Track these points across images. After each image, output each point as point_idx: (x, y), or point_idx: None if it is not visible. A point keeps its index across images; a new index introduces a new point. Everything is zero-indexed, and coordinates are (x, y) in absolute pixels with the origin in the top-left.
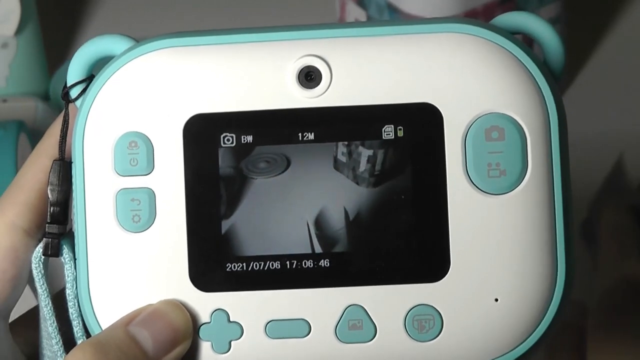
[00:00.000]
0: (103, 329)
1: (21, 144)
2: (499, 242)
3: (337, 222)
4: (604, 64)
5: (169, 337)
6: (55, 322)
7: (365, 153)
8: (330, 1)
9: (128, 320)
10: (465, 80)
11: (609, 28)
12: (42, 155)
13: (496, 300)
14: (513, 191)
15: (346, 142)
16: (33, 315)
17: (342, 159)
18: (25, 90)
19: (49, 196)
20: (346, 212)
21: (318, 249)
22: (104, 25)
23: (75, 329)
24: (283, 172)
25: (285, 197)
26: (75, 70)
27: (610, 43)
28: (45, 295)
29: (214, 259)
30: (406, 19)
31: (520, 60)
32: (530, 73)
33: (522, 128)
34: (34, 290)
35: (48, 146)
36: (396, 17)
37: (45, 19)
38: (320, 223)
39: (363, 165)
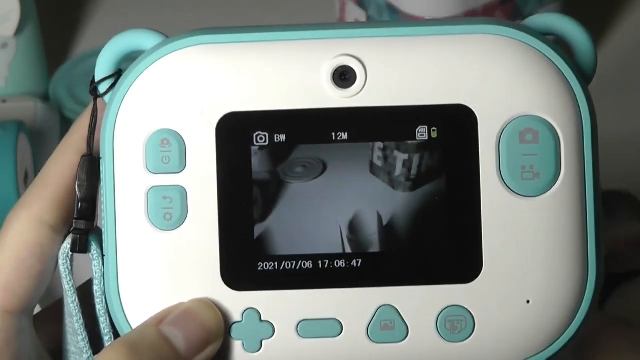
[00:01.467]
0: (132, 326)
1: (21, 144)
2: (531, 244)
3: (370, 226)
4: (604, 63)
5: (201, 337)
6: (81, 318)
7: (400, 157)
8: (330, 2)
9: (159, 320)
10: (499, 82)
11: (608, 28)
12: (69, 151)
13: (528, 302)
14: (546, 194)
15: (381, 146)
16: (56, 309)
17: (378, 163)
18: (25, 91)
19: (77, 192)
20: (380, 216)
21: (349, 251)
22: (104, 26)
23: (102, 326)
24: (319, 176)
25: (320, 200)
26: (103, 64)
27: (610, 43)
28: (72, 291)
29: (246, 258)
30: (406, 19)
31: (553, 62)
32: (564, 75)
33: (555, 131)
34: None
35: (75, 141)
36: (396, 18)
37: (45, 19)
38: (353, 227)
39: (399, 170)
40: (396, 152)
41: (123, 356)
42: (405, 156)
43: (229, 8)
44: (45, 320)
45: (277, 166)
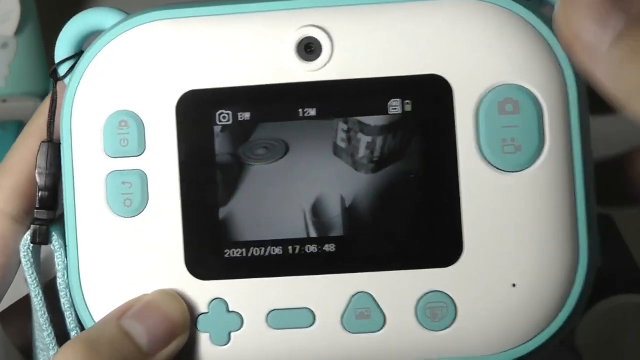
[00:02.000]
0: (96, 320)
1: None
2: (515, 224)
3: (337, 208)
4: None
5: (165, 331)
6: (46, 313)
7: (372, 133)
8: None
9: (120, 313)
10: (476, 50)
11: None
12: (31, 137)
13: (514, 285)
14: (530, 168)
15: (354, 121)
16: (26, 304)
17: (342, 144)
18: (25, 90)
19: (37, 180)
20: (346, 198)
21: (315, 235)
22: None
23: (67, 320)
24: (283, 157)
25: (285, 182)
26: (63, 45)
27: None
28: (36, 285)
29: (212, 245)
30: None
31: (536, 28)
32: (547, 42)
33: (538, 100)
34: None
35: (37, 127)
36: None
37: (45, 19)
38: (318, 210)
39: (369, 147)
40: (367, 129)
41: (81, 355)
42: (377, 132)
43: None
44: (14, 315)
45: (242, 147)
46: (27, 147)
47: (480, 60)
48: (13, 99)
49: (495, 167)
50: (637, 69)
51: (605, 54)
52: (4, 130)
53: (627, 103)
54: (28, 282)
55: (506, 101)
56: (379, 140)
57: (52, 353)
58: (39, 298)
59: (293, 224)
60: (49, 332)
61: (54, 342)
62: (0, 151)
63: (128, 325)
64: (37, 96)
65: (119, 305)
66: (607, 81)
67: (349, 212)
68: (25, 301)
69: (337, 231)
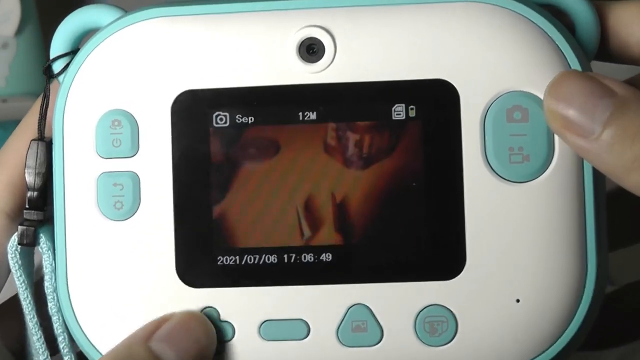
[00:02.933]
0: (82, 328)
1: None
2: (521, 236)
3: (328, 211)
4: (604, 64)
5: (194, 356)
6: (35, 316)
7: (373, 138)
8: None
9: (148, 334)
10: (485, 55)
11: None
12: (26, 132)
13: (517, 300)
14: (537, 179)
15: (345, 124)
16: (17, 305)
17: (332, 142)
18: (25, 90)
19: (26, 179)
20: (346, 204)
21: (316, 241)
22: None
23: (55, 325)
24: (273, 157)
25: (278, 184)
26: (58, 43)
27: None
28: (24, 288)
29: (204, 252)
30: None
31: (547, 34)
32: (559, 48)
33: None
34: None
35: (33, 123)
36: None
37: (45, 19)
38: (315, 215)
39: (369, 152)
40: (367, 134)
41: None
42: (379, 137)
43: None
44: (6, 316)
45: (238, 150)
46: (22, 142)
47: (488, 65)
48: (13, 99)
49: (501, 176)
50: (626, 149)
51: (595, 139)
52: (4, 130)
53: (621, 178)
54: (16, 285)
55: (514, 108)
56: (391, 140)
57: (42, 358)
58: (28, 301)
59: (288, 229)
60: (39, 336)
61: (44, 346)
62: None
63: (158, 348)
64: (37, 96)
65: (144, 325)
66: (600, 161)
67: (347, 221)
68: (16, 302)
69: (334, 240)
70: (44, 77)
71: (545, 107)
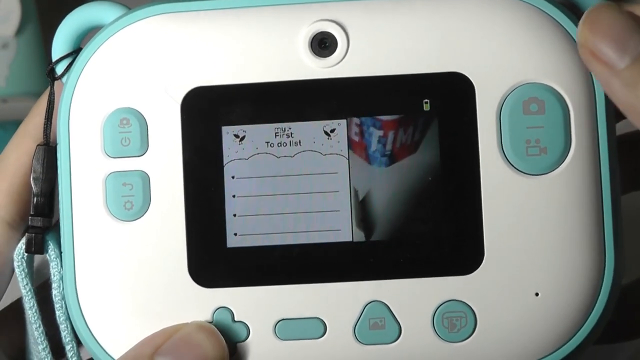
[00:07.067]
0: (94, 334)
1: None
2: (539, 229)
3: (345, 207)
4: None
5: None
6: (41, 325)
7: (388, 133)
8: None
9: (154, 348)
10: (500, 47)
11: None
12: (27, 137)
13: (536, 294)
14: (554, 171)
15: (361, 121)
16: (17, 311)
17: (356, 138)
18: (25, 91)
19: (32, 185)
20: (356, 199)
21: (332, 238)
22: None
23: (63, 334)
24: (297, 154)
25: (292, 180)
26: (60, 43)
27: None
28: (30, 296)
29: (216, 251)
30: None
31: (563, 26)
32: (574, 40)
33: (564, 100)
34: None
35: (32, 127)
36: None
37: (45, 19)
38: (328, 207)
39: (386, 147)
40: (382, 128)
41: None
42: (395, 131)
43: None
44: (6, 324)
45: (250, 146)
46: (22, 148)
47: (504, 58)
48: (13, 99)
49: (518, 169)
50: None
51: (621, 73)
52: (4, 130)
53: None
54: (22, 293)
55: (531, 100)
56: (407, 134)
57: None
58: (34, 310)
59: (304, 227)
60: (44, 345)
61: (50, 355)
62: (0, 152)
63: None
64: (37, 96)
65: (149, 336)
66: (622, 94)
67: (363, 217)
68: (16, 309)
69: (350, 236)
70: (44, 78)
71: (578, 34)
